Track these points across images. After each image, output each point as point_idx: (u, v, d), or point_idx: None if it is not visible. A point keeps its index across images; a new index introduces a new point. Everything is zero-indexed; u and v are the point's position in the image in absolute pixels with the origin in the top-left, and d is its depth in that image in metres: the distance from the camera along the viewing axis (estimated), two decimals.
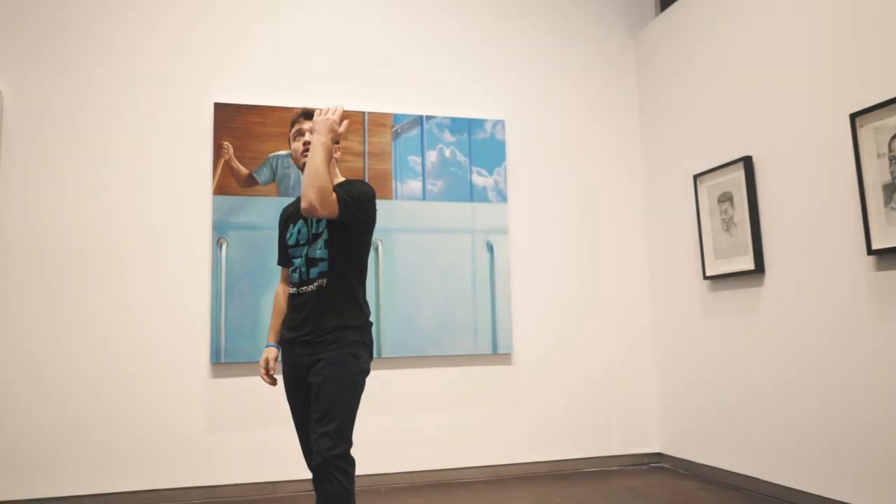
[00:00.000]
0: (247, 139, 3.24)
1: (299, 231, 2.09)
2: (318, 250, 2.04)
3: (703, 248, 3.29)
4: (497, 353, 3.46)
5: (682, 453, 3.46)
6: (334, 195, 1.98)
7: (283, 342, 2.05)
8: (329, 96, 3.39)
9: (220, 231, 3.15)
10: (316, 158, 1.94)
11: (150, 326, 3.06)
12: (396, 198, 3.40)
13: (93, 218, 3.06)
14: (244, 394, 3.11)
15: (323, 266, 2.03)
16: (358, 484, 3.20)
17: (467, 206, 3.49)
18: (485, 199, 3.52)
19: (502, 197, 3.55)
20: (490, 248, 3.50)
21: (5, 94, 3.02)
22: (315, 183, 1.92)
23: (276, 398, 3.14)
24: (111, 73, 3.15)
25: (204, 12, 3.30)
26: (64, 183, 3.03)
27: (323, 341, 1.99)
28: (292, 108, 3.31)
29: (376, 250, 3.34)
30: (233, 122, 3.23)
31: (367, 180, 3.37)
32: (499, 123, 3.58)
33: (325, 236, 2.05)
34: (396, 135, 3.44)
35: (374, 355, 3.27)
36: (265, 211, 3.22)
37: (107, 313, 3.02)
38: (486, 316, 3.45)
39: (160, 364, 3.06)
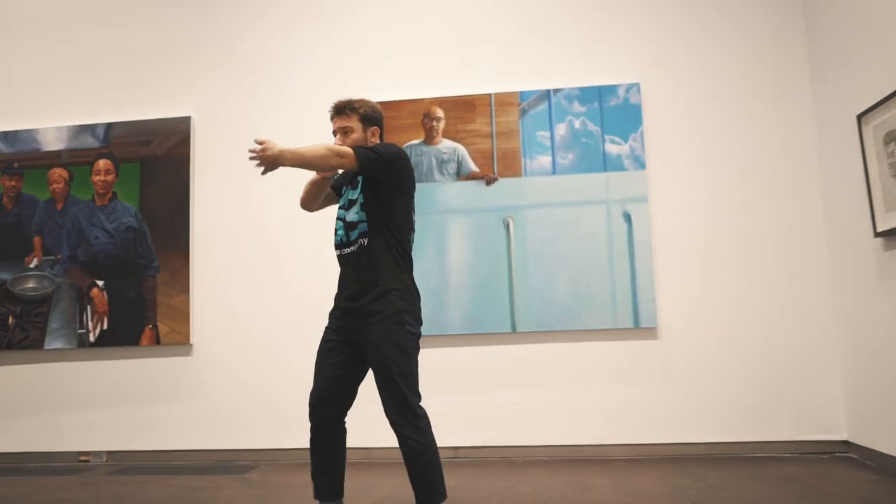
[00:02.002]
0: (385, 133, 3.52)
1: (346, 196, 2.28)
2: (356, 214, 2.20)
3: (871, 198, 2.80)
4: (639, 328, 3.30)
5: (873, 443, 2.98)
6: (344, 149, 2.10)
7: (335, 309, 2.24)
8: (456, 83, 3.53)
9: None
10: (304, 163, 2.06)
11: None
12: (526, 174, 3.43)
13: (272, 215, 3.58)
14: None
15: (362, 227, 2.19)
16: (492, 454, 3.32)
17: (600, 176, 3.39)
18: (619, 168, 3.38)
19: (639, 164, 3.37)
20: (627, 218, 3.36)
21: (195, 119, 3.67)
22: (322, 157, 2.07)
23: (430, 369, 3.39)
24: (285, 87, 3.64)
25: (330, 21, 3.66)
26: (247, 189, 3.60)
27: (370, 311, 2.15)
28: (422, 100, 3.52)
29: (507, 227, 3.41)
30: None
31: (495, 160, 3.45)
32: (633, 87, 3.41)
33: (360, 200, 2.21)
34: (523, 112, 3.47)
35: (509, 329, 3.36)
36: None
37: (291, 290, 3.52)
38: (625, 288, 3.32)
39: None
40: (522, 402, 3.34)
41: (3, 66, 3.86)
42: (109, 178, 3.66)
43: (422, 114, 3.51)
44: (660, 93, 3.45)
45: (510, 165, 3.44)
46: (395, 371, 2.12)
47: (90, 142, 3.69)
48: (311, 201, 2.31)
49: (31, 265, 3.65)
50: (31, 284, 3.65)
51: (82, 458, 3.56)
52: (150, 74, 3.74)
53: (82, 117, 3.73)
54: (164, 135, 3.64)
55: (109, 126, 3.68)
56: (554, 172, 3.42)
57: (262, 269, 3.55)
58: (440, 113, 3.51)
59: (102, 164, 3.67)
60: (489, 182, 3.44)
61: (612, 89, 3.43)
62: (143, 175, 3.64)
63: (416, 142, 3.51)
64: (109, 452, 3.55)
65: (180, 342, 3.52)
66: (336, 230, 2.26)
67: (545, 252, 3.38)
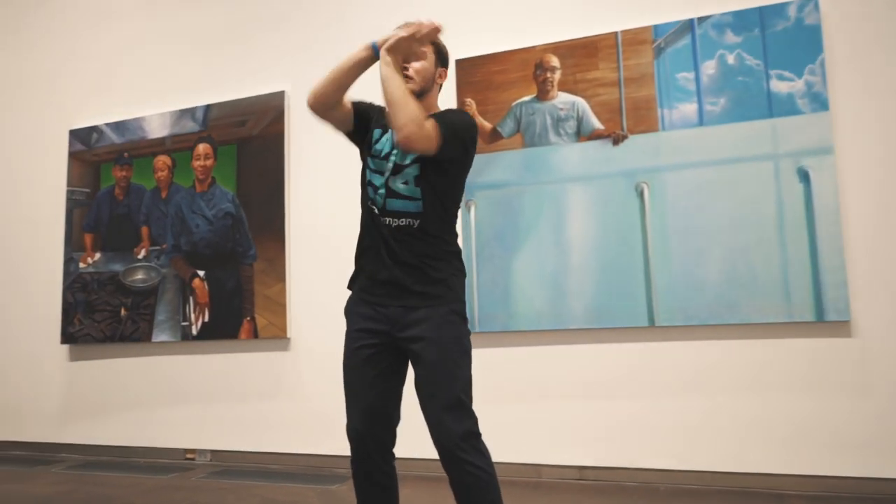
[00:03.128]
0: (488, 91, 2.99)
1: (389, 152, 1.77)
2: (406, 187, 1.72)
3: None
4: (825, 321, 2.48)
5: None
6: (430, 126, 1.66)
7: (361, 287, 1.75)
8: (573, 23, 2.90)
9: (468, 193, 2.97)
10: (392, 89, 1.65)
11: None
12: (663, 129, 2.73)
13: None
14: (501, 365, 2.87)
15: (414, 206, 1.71)
16: (626, 477, 2.67)
17: (764, 124, 2.60)
18: (791, 111, 2.57)
19: (819, 104, 2.54)
20: (804, 177, 2.54)
21: (290, 93, 3.38)
22: (407, 112, 1.63)
23: (546, 371, 2.82)
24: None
25: None
26: (344, 166, 3.25)
27: (422, 293, 1.65)
28: (533, 48, 2.94)
29: (641, 196, 2.73)
30: (474, 75, 3.02)
31: (624, 114, 2.79)
32: (808, 4, 2.58)
33: (414, 171, 1.73)
34: (659, 51, 2.77)
35: (646, 322, 2.69)
36: (511, 166, 2.91)
37: None
38: (802, 269, 2.51)
39: None
40: (664, 415, 2.65)
41: (108, 57, 3.84)
42: (209, 162, 3.48)
43: (533, 64, 2.93)
44: (849, 6, 2.58)
45: (643, 118, 2.76)
46: (457, 376, 1.62)
47: (190, 126, 3.53)
48: (333, 95, 1.77)
49: (140, 256, 3.57)
50: (140, 276, 3.57)
51: (188, 455, 3.41)
52: (244, 50, 3.51)
53: (183, 101, 3.59)
54: (259, 113, 3.38)
55: (208, 108, 3.50)
56: (701, 123, 2.68)
57: None
58: (555, 62, 2.91)
59: (202, 148, 3.50)
60: (617, 141, 2.78)
61: (779, 9, 2.62)
62: (240, 157, 3.42)
63: (526, 98, 2.94)
64: (213, 451, 3.37)
65: (277, 336, 3.25)
66: (369, 188, 1.78)
67: (691, 225, 2.66)
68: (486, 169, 2.95)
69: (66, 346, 3.71)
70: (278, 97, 3.35)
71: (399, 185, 1.73)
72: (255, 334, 3.28)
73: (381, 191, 1.75)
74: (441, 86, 1.95)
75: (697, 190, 2.66)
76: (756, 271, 2.57)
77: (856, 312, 2.47)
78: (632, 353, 2.72)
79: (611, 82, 2.82)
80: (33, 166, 3.94)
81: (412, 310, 1.68)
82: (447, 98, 3.08)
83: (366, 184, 1.81)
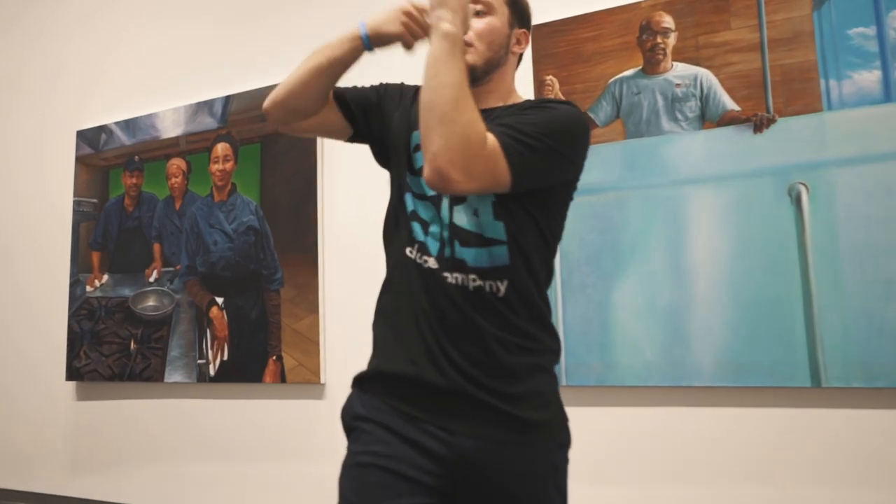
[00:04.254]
0: (575, 65, 2.26)
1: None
2: (476, 222, 1.14)
3: None
4: None
5: None
6: (490, 147, 1.04)
7: (389, 389, 1.11)
8: None
9: None
10: (442, 72, 1.07)
11: None
12: (829, 108, 1.94)
13: None
14: (597, 432, 2.14)
15: (495, 255, 1.13)
16: None
17: None
18: None
19: None
20: None
21: None
22: (446, 123, 1.03)
23: (660, 443, 2.08)
24: None
25: None
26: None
27: (515, 416, 1.02)
28: (637, 4, 2.19)
29: (796, 201, 1.95)
30: (556, 45, 2.29)
31: (769, 89, 2.01)
32: None
33: (491, 198, 1.14)
34: (820, 0, 1.98)
35: (807, 382, 1.91)
36: (608, 163, 2.17)
37: None
38: None
39: None
40: None
41: (117, 43, 3.27)
42: (228, 165, 2.86)
43: (637, 27, 2.19)
44: None
45: (799, 94, 1.98)
46: None
47: (208, 122, 2.93)
48: (302, 104, 1.29)
49: (151, 279, 2.99)
50: (151, 302, 2.99)
51: None
52: (271, 29, 2.87)
53: (199, 92, 2.99)
54: None
55: (227, 100, 2.88)
56: (888, 99, 1.88)
57: None
58: (668, 21, 2.15)
59: (221, 148, 2.89)
60: (760, 126, 2.00)
61: None
62: (265, 158, 2.79)
63: (628, 72, 2.19)
64: None
65: (309, 380, 2.60)
66: (413, 223, 1.19)
67: (873, 242, 1.87)
68: None
69: (71, 384, 3.17)
70: None
71: (467, 220, 1.12)
72: (282, 377, 2.65)
73: (435, 228, 1.13)
74: (520, 58, 1.34)
75: (884, 194, 1.86)
76: None
77: None
78: (786, 423, 1.94)
79: (749, 46, 2.04)
80: (36, 174, 3.42)
81: (495, 448, 1.02)
82: (522, 76, 2.36)
83: (402, 215, 1.20)
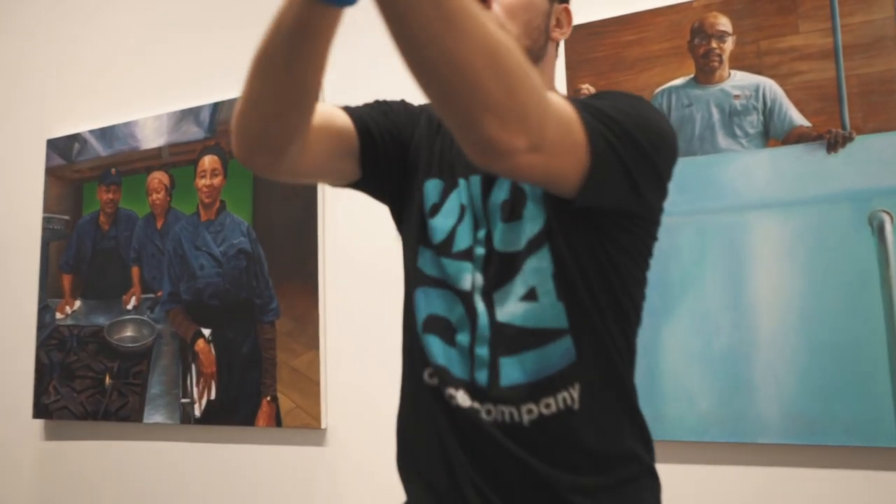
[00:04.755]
0: (616, 73, 1.99)
1: (462, 212, 0.88)
2: (537, 305, 0.81)
3: None
4: None
5: None
6: (562, 109, 0.71)
7: None
8: None
9: None
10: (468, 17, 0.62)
11: None
12: None
13: None
14: None
15: (557, 353, 0.80)
16: None
17: None
18: None
19: None
20: None
21: (327, 86, 2.44)
22: (496, 65, 0.63)
23: None
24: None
25: None
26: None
27: None
28: (689, 4, 1.93)
29: (879, 232, 1.69)
30: (593, 50, 2.03)
31: (845, 102, 1.75)
32: None
33: (544, 259, 0.81)
34: None
35: (894, 441, 1.66)
36: None
37: None
38: None
39: None
40: None
41: (94, 44, 2.96)
42: (216, 180, 2.56)
43: (688, 30, 1.93)
44: None
45: (881, 109, 1.72)
46: None
47: (193, 132, 2.63)
48: (276, 120, 0.82)
49: (129, 306, 2.68)
50: (129, 333, 2.68)
51: None
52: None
53: (185, 98, 2.68)
54: None
55: (216, 108, 2.58)
56: None
57: None
58: (724, 24, 1.89)
59: (208, 161, 2.58)
60: (835, 145, 1.75)
61: None
62: (257, 175, 2.49)
63: (678, 81, 1.93)
64: None
65: (308, 425, 2.30)
66: (426, 344, 0.89)
67: None
68: None
69: (39, 422, 2.84)
70: None
71: (520, 310, 0.82)
72: (277, 421, 2.35)
73: (464, 336, 0.83)
74: (558, 45, 1.05)
75: None
76: None
77: None
78: (867, 487, 1.68)
79: (821, 52, 1.78)
80: (1, 187, 3.09)
81: None
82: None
83: (411, 322, 0.92)
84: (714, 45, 1.89)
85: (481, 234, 0.88)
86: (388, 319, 2.23)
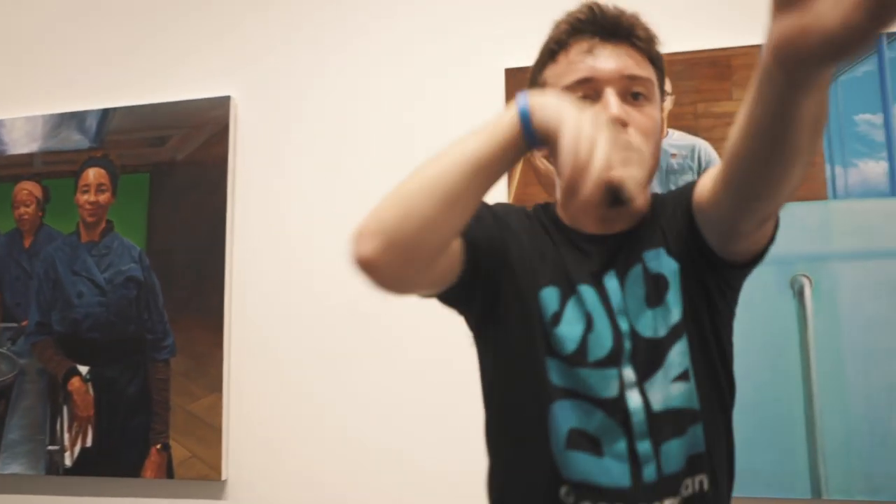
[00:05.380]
0: None
1: (588, 320, 0.89)
2: (681, 393, 0.86)
3: None
4: None
5: None
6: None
7: None
8: (692, 30, 1.95)
9: None
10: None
11: (438, 430, 1.98)
12: (834, 196, 1.81)
13: (339, 252, 2.10)
14: None
15: (695, 439, 0.86)
16: None
17: None
18: None
19: None
20: None
21: (238, 101, 2.23)
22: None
23: None
24: (357, 56, 2.16)
25: None
26: (305, 198, 2.13)
27: None
28: None
29: (799, 296, 1.80)
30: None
31: None
32: None
33: (683, 354, 0.87)
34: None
35: (807, 494, 1.75)
36: None
37: (366, 402, 2.03)
38: None
39: (456, 486, 1.95)
40: None
41: None
42: (102, 197, 2.26)
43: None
44: None
45: (804, 179, 1.84)
46: None
47: (76, 140, 2.30)
48: (438, 238, 0.81)
49: None
50: None
51: None
52: (170, 30, 2.32)
53: (66, 101, 2.35)
54: (189, 127, 2.21)
55: (105, 115, 2.28)
56: (894, 193, 1.79)
57: (350, 353, 2.06)
58: (665, 83, 1.93)
59: (93, 175, 2.28)
60: None
61: None
62: (155, 193, 2.23)
63: None
64: None
65: (206, 476, 2.08)
66: (568, 462, 0.86)
67: (879, 346, 1.75)
68: None
69: None
70: (220, 105, 2.19)
71: (667, 388, 0.87)
72: (168, 472, 2.10)
73: (621, 443, 0.84)
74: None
75: (888, 293, 1.76)
76: None
77: None
78: None
79: None
80: None
81: None
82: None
83: (539, 434, 0.87)
84: None
85: (625, 328, 0.89)
86: (301, 361, 2.07)
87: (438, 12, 2.12)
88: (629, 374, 0.87)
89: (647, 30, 0.94)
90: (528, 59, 1.97)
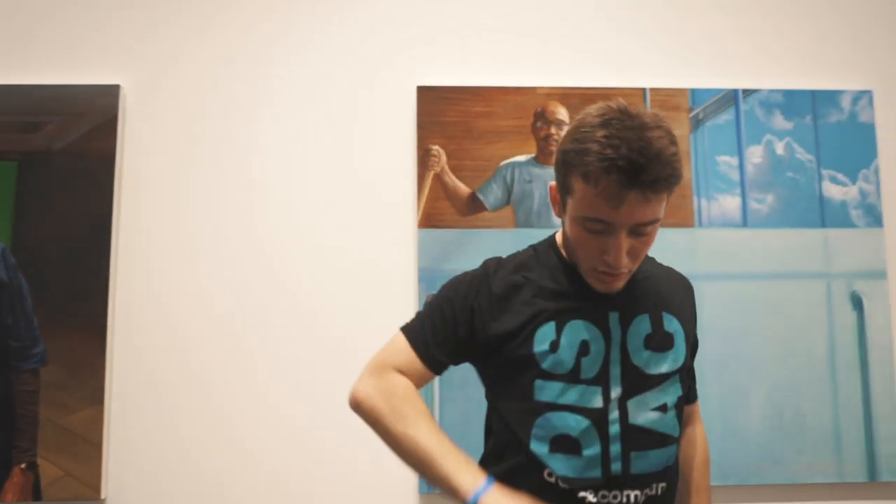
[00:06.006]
0: (465, 139, 2.09)
1: (584, 345, 1.10)
2: (660, 417, 1.11)
3: None
4: (877, 482, 2.06)
5: None
6: None
7: None
8: (587, 68, 2.16)
9: (430, 285, 2.02)
10: None
11: (326, 440, 1.99)
12: (700, 224, 2.11)
13: (233, 261, 2.04)
14: None
15: (670, 452, 1.11)
16: None
17: (815, 233, 2.12)
18: (845, 223, 2.13)
19: (874, 218, 2.14)
20: (857, 304, 2.11)
21: (128, 90, 2.08)
22: None
23: None
24: (259, 53, 2.12)
25: None
26: (199, 198, 2.04)
27: None
28: (533, 89, 2.12)
29: None
30: (444, 114, 2.10)
31: None
32: (863, 97, 2.18)
33: (677, 380, 1.14)
34: (697, 122, 2.15)
35: None
36: (497, 251, 2.04)
37: (257, 416, 1.99)
38: (854, 418, 2.06)
39: (347, 496, 1.97)
40: None
41: None
42: None
43: (532, 112, 2.12)
44: None
45: (676, 208, 2.11)
46: None
47: None
48: None
49: None
50: None
51: None
52: (58, 13, 2.10)
53: None
54: (69, 114, 2.02)
55: None
56: (745, 224, 2.12)
57: (242, 362, 2.00)
58: (562, 113, 2.12)
59: None
60: None
61: (831, 97, 2.17)
62: (23, 184, 2.00)
63: (520, 158, 2.10)
64: None
65: (83, 496, 1.90)
66: (588, 431, 1.08)
67: (731, 353, 2.06)
68: (459, 252, 2.04)
69: None
70: (107, 93, 2.03)
71: (650, 416, 1.10)
72: (35, 494, 1.89)
73: (595, 445, 1.08)
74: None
75: (740, 309, 2.08)
76: (804, 419, 2.05)
77: None
78: None
79: None
80: None
81: None
82: (399, 143, 2.09)
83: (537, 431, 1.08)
84: (553, 131, 2.10)
85: (615, 355, 1.08)
86: (190, 371, 1.98)
87: (353, 24, 2.13)
88: (616, 391, 1.07)
89: (675, 169, 1.01)
90: (440, 77, 2.08)
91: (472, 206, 2.06)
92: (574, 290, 1.11)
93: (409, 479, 1.97)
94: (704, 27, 2.20)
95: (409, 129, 2.10)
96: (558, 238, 1.22)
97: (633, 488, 1.05)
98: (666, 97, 2.14)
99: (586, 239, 1.05)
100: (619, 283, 1.09)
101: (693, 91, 2.15)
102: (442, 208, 2.06)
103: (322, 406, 1.99)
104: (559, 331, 1.08)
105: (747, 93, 2.15)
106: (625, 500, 1.04)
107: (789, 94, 2.16)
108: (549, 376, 1.06)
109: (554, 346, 1.07)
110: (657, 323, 1.13)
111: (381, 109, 2.11)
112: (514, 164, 2.09)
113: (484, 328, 1.10)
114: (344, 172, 2.08)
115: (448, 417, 1.97)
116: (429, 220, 2.05)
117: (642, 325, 1.12)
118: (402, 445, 1.03)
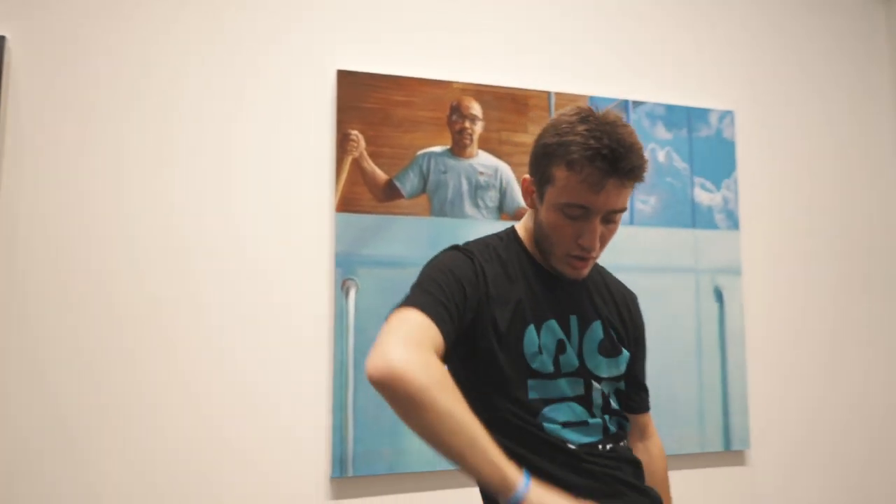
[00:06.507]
0: (384, 126, 2.12)
1: (560, 345, 1.21)
2: (619, 389, 1.34)
3: None
4: (730, 451, 2.37)
5: None
6: None
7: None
8: (500, 68, 2.27)
9: (347, 269, 2.03)
10: None
11: (235, 427, 1.92)
12: None
13: (133, 237, 1.91)
14: None
15: (622, 419, 1.30)
16: None
17: (687, 234, 2.40)
18: (710, 225, 2.43)
19: (733, 222, 2.46)
20: (718, 296, 2.41)
21: (14, 42, 1.87)
22: None
23: None
24: (169, 20, 2.00)
25: None
26: (84, 181, 1.89)
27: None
28: (450, 84, 2.20)
29: None
30: (364, 99, 2.11)
31: None
32: (726, 116, 2.49)
33: (622, 382, 1.33)
34: None
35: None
36: (411, 238, 2.09)
37: (167, 404, 1.88)
38: (714, 396, 2.36)
39: (258, 483, 1.91)
40: None
41: None
42: None
43: (448, 106, 2.18)
44: (759, 126, 2.57)
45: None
46: None
47: None
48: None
49: None
50: None
51: None
52: None
53: None
54: None
55: None
56: (632, 222, 2.34)
57: (126, 358, 1.87)
58: (476, 109, 2.21)
59: None
60: None
61: (702, 115, 2.46)
62: None
63: (437, 149, 2.16)
64: None
65: None
66: (581, 398, 1.25)
67: None
68: (376, 237, 2.06)
69: None
70: None
71: (615, 400, 1.33)
72: None
73: (590, 418, 1.26)
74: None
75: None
76: (677, 397, 2.31)
77: (753, 441, 2.41)
78: None
79: None
80: None
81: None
82: (318, 126, 2.07)
83: (548, 420, 1.21)
84: (467, 125, 2.19)
85: (574, 355, 1.23)
86: (68, 366, 1.83)
87: (275, 4, 2.08)
88: (590, 381, 1.23)
89: (645, 161, 1.13)
90: (360, 63, 2.09)
91: (389, 193, 2.09)
92: (542, 287, 1.22)
93: (319, 463, 1.96)
94: (607, 40, 2.40)
95: (328, 112, 2.08)
96: (521, 233, 1.29)
97: (613, 442, 1.24)
98: (569, 101, 2.31)
99: (563, 224, 1.14)
100: (586, 270, 1.20)
101: (591, 98, 2.34)
102: (359, 193, 2.07)
103: (231, 388, 1.92)
104: (538, 331, 1.19)
105: (637, 104, 2.38)
106: (610, 449, 1.24)
107: (670, 109, 2.42)
108: (538, 375, 1.18)
109: (540, 349, 1.18)
110: (607, 330, 1.27)
111: (300, 92, 2.07)
112: (430, 154, 2.15)
113: (487, 307, 1.16)
114: (262, 154, 2.01)
115: (361, 403, 1.99)
116: (346, 204, 2.05)
117: (596, 331, 1.25)
118: (446, 424, 0.93)
